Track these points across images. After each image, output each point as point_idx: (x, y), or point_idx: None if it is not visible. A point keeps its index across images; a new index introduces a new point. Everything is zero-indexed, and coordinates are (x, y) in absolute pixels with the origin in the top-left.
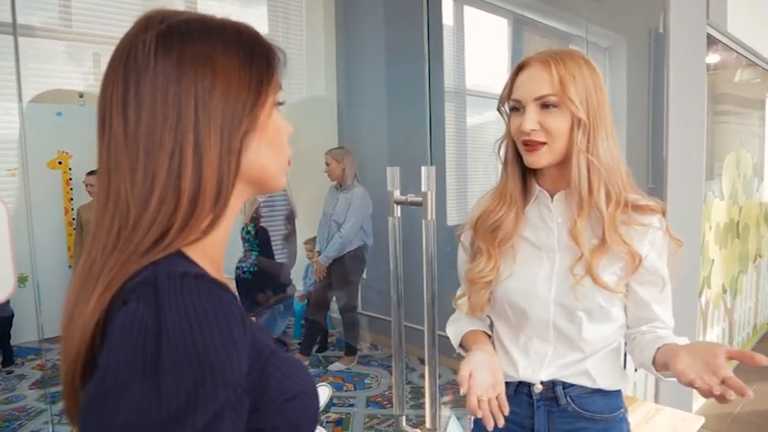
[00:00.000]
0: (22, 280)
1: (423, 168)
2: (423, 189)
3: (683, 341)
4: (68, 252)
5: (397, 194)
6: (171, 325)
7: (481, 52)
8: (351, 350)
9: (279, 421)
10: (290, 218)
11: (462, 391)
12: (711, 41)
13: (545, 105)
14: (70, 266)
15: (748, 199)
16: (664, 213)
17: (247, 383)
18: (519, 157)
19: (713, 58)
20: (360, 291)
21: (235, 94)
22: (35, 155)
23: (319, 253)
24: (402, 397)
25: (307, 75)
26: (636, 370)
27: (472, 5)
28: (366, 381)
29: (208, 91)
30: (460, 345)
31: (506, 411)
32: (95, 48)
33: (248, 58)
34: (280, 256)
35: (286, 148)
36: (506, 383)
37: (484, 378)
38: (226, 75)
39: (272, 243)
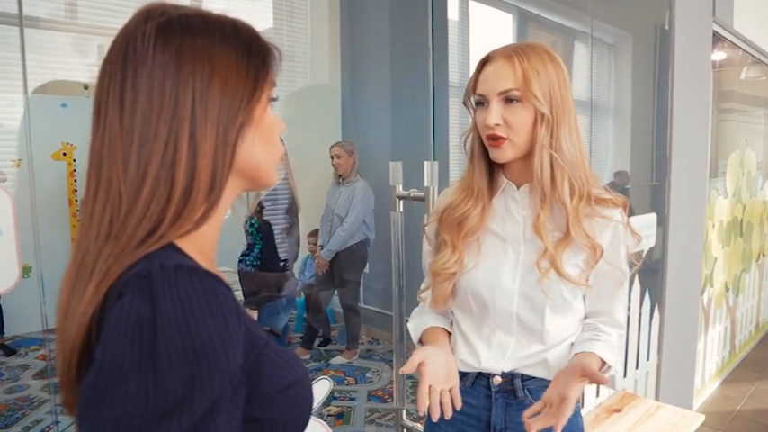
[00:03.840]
0: (26, 271)
1: (425, 163)
2: (425, 184)
3: (604, 344)
4: (72, 243)
5: (399, 189)
6: (166, 317)
7: (486, 47)
8: (352, 344)
9: (274, 411)
10: (293, 210)
11: (403, 370)
12: (717, 39)
13: (508, 100)
14: None
15: (752, 197)
16: (625, 208)
17: (242, 374)
18: (485, 150)
19: (719, 55)
20: (362, 285)
21: (232, 87)
22: (40, 146)
23: (322, 247)
24: (403, 391)
25: (311, 67)
26: (636, 367)
27: (477, 0)
28: (367, 375)
29: (206, 83)
30: (420, 341)
31: (458, 406)
32: (100, 40)
33: (245, 54)
34: (283, 250)
35: (278, 144)
36: (465, 374)
37: (438, 369)
38: (223, 69)
39: (276, 236)
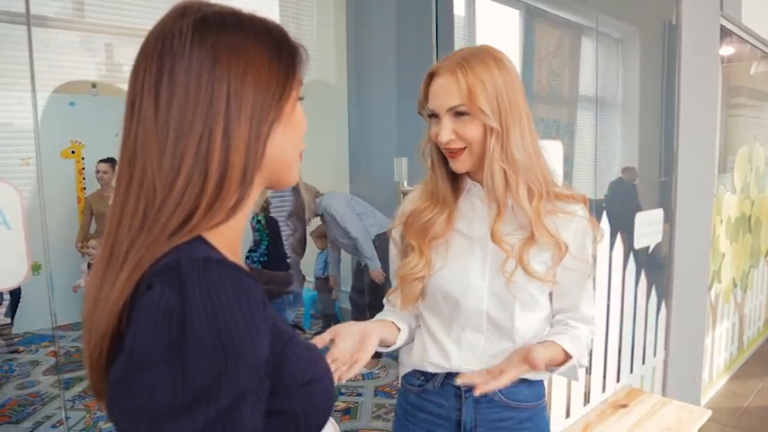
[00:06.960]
0: (35, 268)
1: None
2: None
3: (570, 337)
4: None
5: (404, 185)
6: (195, 309)
7: (492, 44)
8: None
9: (296, 404)
10: (300, 208)
11: (314, 341)
12: (725, 33)
13: (458, 113)
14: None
15: (760, 193)
16: (586, 203)
17: (267, 366)
18: (445, 158)
19: (727, 50)
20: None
21: (265, 84)
22: (49, 144)
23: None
24: None
25: (317, 64)
26: (643, 363)
27: None
28: (374, 370)
29: (240, 79)
30: None
31: (348, 375)
32: (108, 38)
33: (277, 53)
34: (289, 246)
35: (301, 142)
36: (433, 375)
37: (349, 342)
38: (257, 66)
39: (282, 232)
